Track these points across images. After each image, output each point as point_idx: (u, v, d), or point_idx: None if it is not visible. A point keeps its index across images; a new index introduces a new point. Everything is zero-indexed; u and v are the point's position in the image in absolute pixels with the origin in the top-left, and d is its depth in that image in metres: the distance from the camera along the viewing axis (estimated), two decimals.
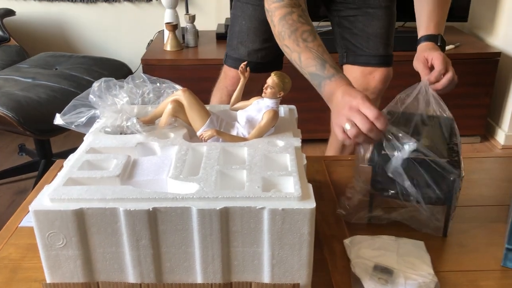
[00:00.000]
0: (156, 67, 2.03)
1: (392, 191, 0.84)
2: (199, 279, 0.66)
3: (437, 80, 0.98)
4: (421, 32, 1.09)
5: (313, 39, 0.95)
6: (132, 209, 0.61)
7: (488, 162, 1.10)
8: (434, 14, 1.08)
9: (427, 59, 1.03)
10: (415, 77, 2.51)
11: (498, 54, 2.21)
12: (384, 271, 0.72)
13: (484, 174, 1.04)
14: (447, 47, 2.23)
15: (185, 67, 2.09)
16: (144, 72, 1.90)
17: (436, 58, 1.00)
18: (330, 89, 0.91)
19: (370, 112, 0.79)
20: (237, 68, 0.87)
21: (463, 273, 0.75)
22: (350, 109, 0.81)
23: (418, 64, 1.04)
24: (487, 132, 2.37)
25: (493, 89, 2.24)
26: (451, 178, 0.79)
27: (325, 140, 1.69)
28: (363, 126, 0.79)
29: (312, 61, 0.93)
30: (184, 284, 0.66)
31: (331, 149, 1.53)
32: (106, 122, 0.82)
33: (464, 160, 1.06)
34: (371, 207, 0.88)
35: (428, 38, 1.07)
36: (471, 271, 0.75)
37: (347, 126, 0.81)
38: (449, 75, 0.99)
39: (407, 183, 0.85)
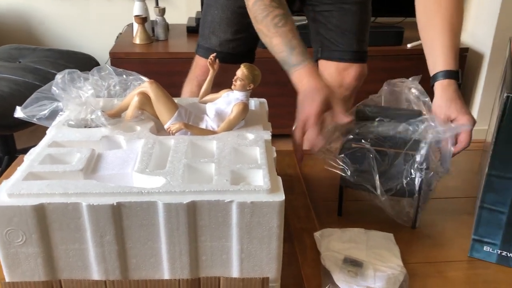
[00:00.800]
0: (125, 60, 1.99)
1: (361, 184, 0.84)
2: (166, 275, 0.65)
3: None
4: (438, 66, 0.92)
5: (284, 24, 0.94)
6: (96, 204, 0.59)
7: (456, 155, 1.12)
8: (453, 47, 0.91)
9: (451, 121, 0.87)
10: (387, 72, 2.54)
11: (466, 49, 2.25)
12: (353, 264, 0.72)
13: (452, 167, 1.05)
14: (416, 43, 2.26)
15: (154, 60, 2.05)
16: (113, 65, 1.86)
17: (465, 132, 0.86)
18: (296, 77, 0.92)
19: (312, 132, 0.84)
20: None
21: (432, 264, 0.76)
22: (307, 117, 0.85)
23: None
24: None
25: (461, 85, 2.29)
26: (414, 171, 0.79)
27: None
28: (308, 141, 0.86)
29: (282, 47, 0.94)
30: (150, 281, 0.65)
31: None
32: (69, 115, 0.79)
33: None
34: (341, 200, 0.88)
35: (448, 75, 0.90)
36: (439, 262, 0.76)
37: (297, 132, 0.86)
38: (463, 146, 0.86)
39: (374, 176, 0.86)
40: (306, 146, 0.87)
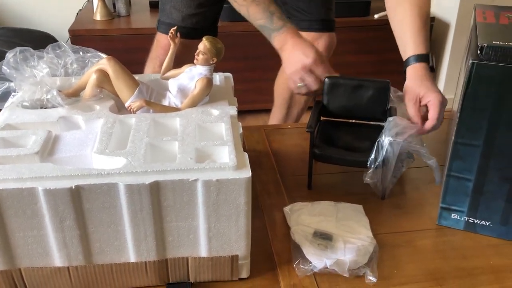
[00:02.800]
0: (85, 38, 1.92)
1: (331, 157, 0.84)
2: (132, 258, 0.63)
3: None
4: (409, 51, 0.92)
5: None
6: (53, 188, 0.56)
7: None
8: (423, 31, 0.92)
9: (421, 99, 0.87)
10: (356, 44, 2.52)
11: (432, 19, 2.26)
12: (323, 237, 0.72)
13: (419, 137, 1.06)
14: (383, 13, 2.25)
15: (116, 37, 1.98)
16: (73, 43, 1.78)
17: (433, 105, 0.85)
18: (279, 41, 0.94)
19: (321, 73, 0.91)
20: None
21: (401, 234, 0.76)
22: (303, 69, 0.91)
23: (409, 103, 0.88)
24: None
25: (433, 68, 2.30)
26: (381, 141, 0.79)
27: (266, 111, 1.67)
28: (313, 87, 0.93)
29: (260, 14, 0.95)
30: (116, 264, 0.63)
31: (274, 119, 1.52)
32: (23, 96, 0.75)
33: None
34: (310, 174, 0.87)
35: (419, 58, 0.91)
36: (408, 232, 0.76)
37: (300, 84, 0.93)
38: (433, 122, 0.85)
39: (343, 148, 0.86)
40: (313, 88, 0.95)
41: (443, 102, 0.86)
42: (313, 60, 0.91)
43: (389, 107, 0.90)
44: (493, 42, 0.65)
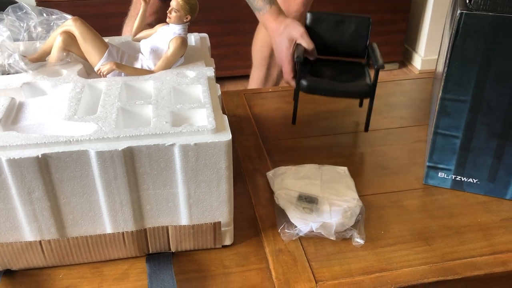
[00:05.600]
0: (53, 3, 1.82)
1: (318, 86, 0.84)
2: (108, 229, 0.59)
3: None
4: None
5: None
6: (17, 158, 0.52)
7: (407, 84, 1.10)
8: None
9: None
10: (336, 3, 2.45)
11: None
12: (308, 200, 0.69)
13: (403, 96, 1.04)
14: None
15: (88, 3, 1.88)
16: None
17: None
18: (262, 21, 0.94)
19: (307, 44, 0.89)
20: None
21: (387, 194, 0.74)
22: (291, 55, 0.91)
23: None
24: (404, 58, 2.42)
25: (409, 14, 2.26)
26: (371, 75, 0.82)
27: (246, 77, 1.62)
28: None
29: None
30: (91, 236, 0.59)
31: (253, 83, 1.48)
32: None
33: (382, 83, 1.06)
34: (296, 108, 0.87)
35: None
36: (394, 192, 0.75)
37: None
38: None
39: (330, 80, 0.86)
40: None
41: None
42: (292, 51, 0.90)
43: (368, 43, 0.90)
44: None
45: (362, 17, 0.89)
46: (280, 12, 0.93)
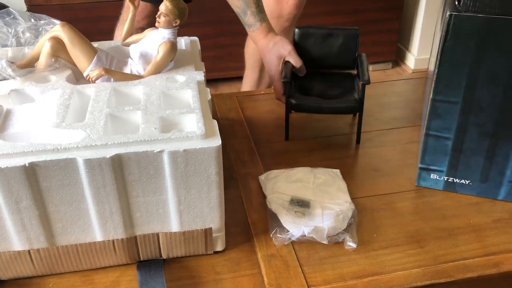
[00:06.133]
0: (44, 8, 1.80)
1: (307, 104, 0.84)
2: (98, 237, 0.59)
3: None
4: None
5: None
6: (4, 167, 0.51)
7: (399, 84, 1.10)
8: None
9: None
10: (329, 4, 2.45)
11: None
12: (300, 204, 0.69)
13: (396, 97, 1.03)
14: None
15: (78, 6, 1.87)
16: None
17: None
18: (252, 37, 0.94)
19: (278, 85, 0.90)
20: None
21: (379, 197, 0.74)
22: (272, 76, 0.91)
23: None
24: (398, 57, 2.41)
25: (402, 14, 2.26)
26: (359, 86, 0.81)
27: (239, 78, 1.61)
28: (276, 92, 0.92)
29: (236, 1, 0.93)
30: (81, 245, 0.59)
31: (246, 85, 1.47)
32: None
33: (375, 84, 1.06)
34: (287, 125, 0.87)
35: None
36: (387, 194, 0.74)
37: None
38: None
39: (318, 96, 0.86)
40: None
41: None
42: (277, 71, 0.90)
43: (358, 54, 0.90)
44: None
45: (350, 29, 0.89)
46: (270, 29, 0.93)
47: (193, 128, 0.58)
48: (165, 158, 0.55)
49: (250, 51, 1.41)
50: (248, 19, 0.93)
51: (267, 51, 0.91)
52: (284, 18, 1.29)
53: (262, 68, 1.41)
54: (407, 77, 1.16)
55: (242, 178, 0.78)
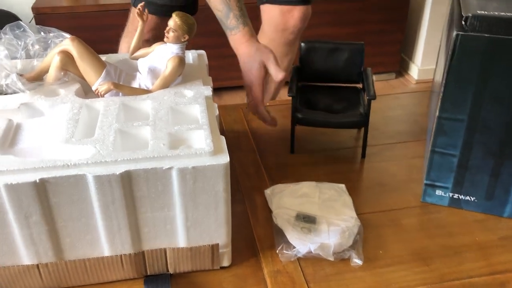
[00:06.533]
0: (51, 16, 1.82)
1: (313, 119, 0.84)
2: (106, 252, 0.59)
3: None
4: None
5: None
6: (15, 183, 0.52)
7: (404, 98, 1.10)
8: None
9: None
10: (332, 15, 2.46)
11: None
12: (306, 220, 0.69)
13: (401, 111, 1.04)
14: None
15: (84, 14, 1.88)
16: (38, 23, 1.69)
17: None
18: (233, 42, 0.90)
19: (255, 99, 0.85)
20: (148, 11, 0.77)
21: (385, 213, 0.74)
22: (250, 85, 0.86)
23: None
24: (401, 68, 2.43)
25: (406, 24, 2.27)
26: (365, 101, 0.82)
27: (242, 87, 1.62)
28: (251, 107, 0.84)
29: (219, 5, 0.89)
30: (89, 259, 0.59)
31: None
32: None
33: (380, 97, 1.06)
34: (293, 138, 0.88)
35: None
36: (392, 210, 0.75)
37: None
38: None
39: (323, 110, 0.87)
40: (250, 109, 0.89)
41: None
42: (256, 81, 0.86)
43: (363, 68, 0.90)
44: (478, 12, 0.62)
45: (355, 44, 0.89)
46: (252, 34, 0.89)
47: (201, 145, 0.59)
48: (174, 174, 0.55)
49: None
50: (230, 21, 0.89)
51: (249, 55, 0.87)
52: (289, 31, 1.30)
53: (265, 82, 1.41)
54: (412, 89, 1.17)
55: (247, 191, 0.79)
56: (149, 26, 1.23)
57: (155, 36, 1.21)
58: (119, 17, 1.35)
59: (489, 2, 0.66)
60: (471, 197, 0.73)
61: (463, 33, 0.62)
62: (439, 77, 0.77)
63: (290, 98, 0.86)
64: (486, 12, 0.61)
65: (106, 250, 0.59)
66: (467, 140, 0.69)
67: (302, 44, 0.90)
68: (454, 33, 0.62)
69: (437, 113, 0.69)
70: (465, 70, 0.64)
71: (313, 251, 0.64)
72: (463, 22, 0.63)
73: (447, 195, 0.74)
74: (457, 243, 0.68)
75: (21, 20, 0.78)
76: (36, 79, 0.72)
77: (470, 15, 0.62)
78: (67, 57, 0.70)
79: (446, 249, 0.67)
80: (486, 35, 0.61)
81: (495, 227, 0.71)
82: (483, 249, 0.67)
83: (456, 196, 0.74)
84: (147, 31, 1.24)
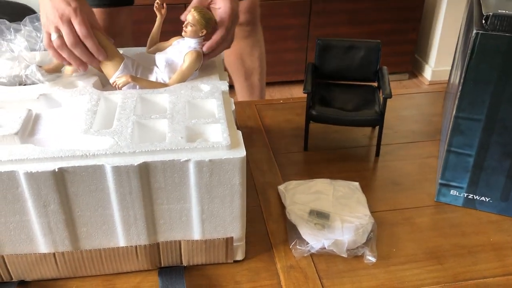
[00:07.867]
0: None
1: (327, 116, 0.84)
2: (121, 242, 0.60)
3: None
4: None
5: None
6: (34, 171, 0.53)
7: (418, 97, 1.10)
8: None
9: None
10: (348, 14, 2.45)
11: None
12: (320, 216, 0.69)
13: (415, 110, 1.03)
14: None
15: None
16: None
17: (223, 12, 0.73)
18: None
19: (80, 28, 0.70)
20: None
21: (399, 211, 0.74)
22: (61, 18, 0.71)
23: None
24: (414, 68, 2.41)
25: (420, 25, 2.26)
26: (381, 100, 0.82)
27: None
28: (68, 40, 0.70)
29: None
30: (105, 249, 0.60)
31: (239, 95, 1.45)
32: (0, 72, 0.71)
33: (394, 97, 1.06)
34: (307, 135, 0.88)
35: None
36: (406, 209, 0.74)
37: (53, 36, 0.70)
38: (216, 36, 0.73)
39: (338, 108, 0.87)
40: (69, 43, 0.72)
41: (235, 11, 0.75)
42: (74, 10, 0.71)
43: (379, 67, 0.90)
44: (499, 10, 0.61)
45: (372, 42, 0.89)
46: None
47: (218, 138, 0.59)
48: (191, 167, 0.55)
49: (231, 64, 1.39)
50: None
51: None
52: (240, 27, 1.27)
53: (247, 77, 1.39)
54: (426, 90, 1.16)
55: (260, 187, 0.79)
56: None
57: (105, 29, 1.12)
58: (148, 10, 1.33)
59: (510, 1, 0.65)
60: (486, 198, 0.72)
61: (483, 32, 0.62)
62: (455, 77, 0.77)
63: (305, 96, 0.86)
64: (507, 11, 0.61)
65: (121, 241, 0.60)
66: (483, 140, 0.68)
67: (319, 42, 0.90)
68: (474, 31, 0.62)
69: (454, 112, 0.68)
70: (484, 70, 0.64)
71: (327, 247, 0.64)
72: (483, 21, 0.62)
73: (461, 195, 0.74)
74: (471, 243, 0.68)
75: (36, 13, 0.79)
76: (54, 71, 0.73)
77: (490, 14, 0.61)
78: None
79: (460, 249, 0.67)
80: (506, 34, 0.61)
81: (510, 228, 0.70)
82: (497, 250, 0.67)
83: (470, 196, 0.73)
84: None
